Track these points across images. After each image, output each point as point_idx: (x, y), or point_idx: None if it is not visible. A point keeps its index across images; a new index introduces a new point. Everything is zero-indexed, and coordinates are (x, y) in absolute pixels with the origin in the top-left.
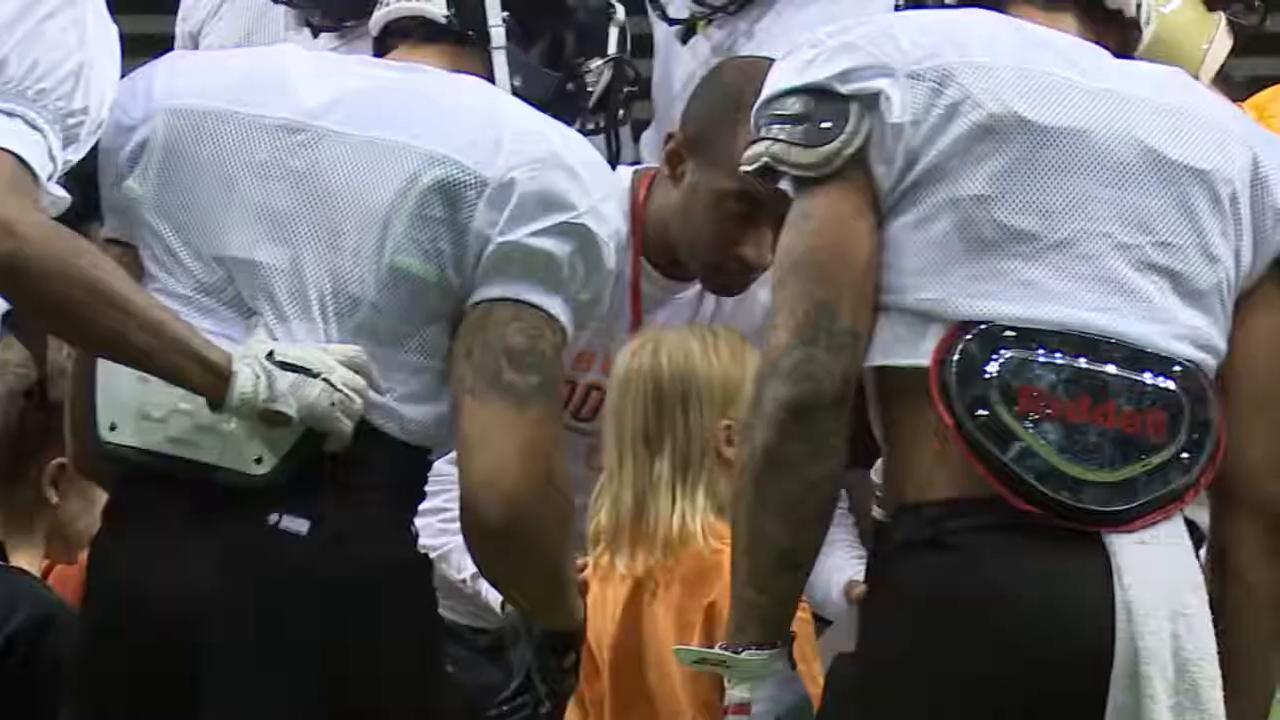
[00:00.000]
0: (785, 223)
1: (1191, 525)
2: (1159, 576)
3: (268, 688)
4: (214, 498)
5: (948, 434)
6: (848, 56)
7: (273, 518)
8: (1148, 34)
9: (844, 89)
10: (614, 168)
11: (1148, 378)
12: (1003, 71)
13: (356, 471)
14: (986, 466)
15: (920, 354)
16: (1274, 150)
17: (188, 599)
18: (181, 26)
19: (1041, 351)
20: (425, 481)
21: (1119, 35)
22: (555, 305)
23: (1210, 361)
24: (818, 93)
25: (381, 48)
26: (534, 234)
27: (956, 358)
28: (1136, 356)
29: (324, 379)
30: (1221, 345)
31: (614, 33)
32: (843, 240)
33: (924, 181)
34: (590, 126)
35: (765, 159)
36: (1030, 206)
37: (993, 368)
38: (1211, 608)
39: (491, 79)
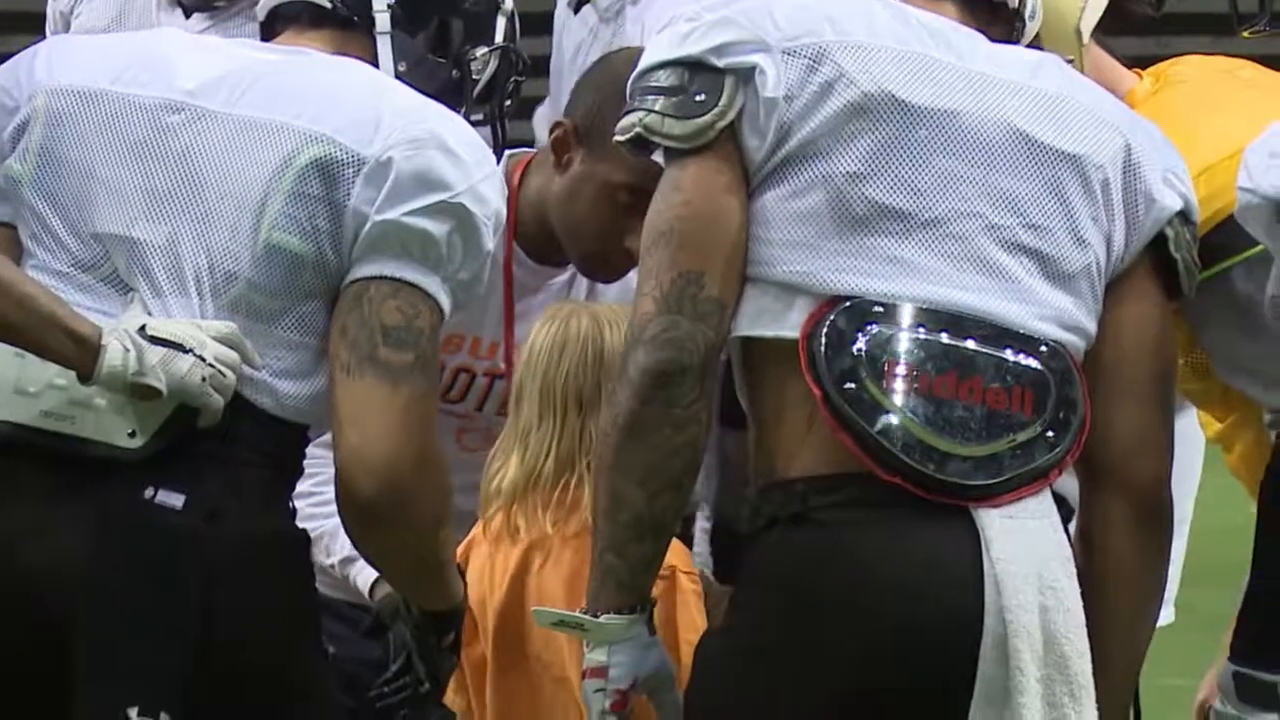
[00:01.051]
0: (655, 193)
1: (1060, 500)
2: (1027, 550)
3: (140, 659)
4: (88, 472)
5: (815, 406)
6: (724, 31)
7: (148, 491)
8: (1032, 26)
9: (720, 63)
10: (499, 157)
11: (1013, 356)
12: (878, 51)
13: (232, 446)
14: (853, 439)
15: (788, 326)
16: (1147, 137)
17: (60, 571)
18: (53, 6)
19: (909, 327)
20: (303, 458)
21: (1002, 26)
22: (433, 284)
23: (1077, 343)
24: (693, 66)
25: (269, 33)
26: (411, 213)
27: (825, 331)
28: (1003, 335)
29: (195, 354)
30: (1090, 328)
31: (501, 22)
32: (711, 211)
33: (796, 156)
34: (476, 117)
35: (638, 129)
36: (902, 185)
37: (861, 342)
38: (1080, 582)
39: (377, 65)
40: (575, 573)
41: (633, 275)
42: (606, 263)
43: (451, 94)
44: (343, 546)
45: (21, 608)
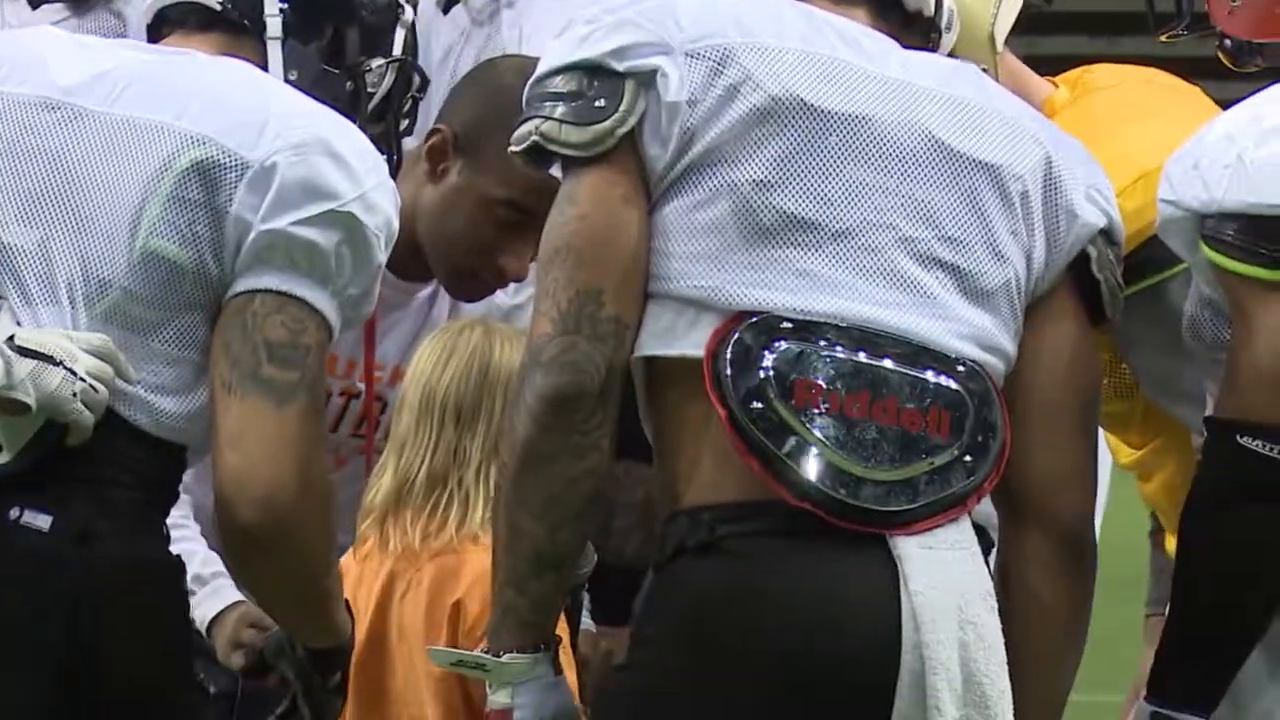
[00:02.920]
0: (552, 207)
1: (981, 531)
2: (946, 582)
3: (2, 687)
4: None
5: (721, 427)
6: (625, 33)
7: (13, 512)
8: (949, 38)
9: (619, 66)
10: (394, 175)
11: (930, 375)
12: (787, 54)
13: (104, 465)
14: (761, 462)
15: (691, 344)
16: (1068, 150)
17: None
18: None
19: (820, 343)
20: (179, 480)
21: (916, 36)
22: (321, 299)
23: (995, 364)
24: (592, 70)
25: (154, 36)
26: (297, 223)
27: (731, 348)
28: (919, 353)
29: (66, 366)
30: (1009, 348)
31: (400, 34)
32: (609, 225)
33: (700, 164)
34: (373, 131)
35: (535, 138)
36: (811, 194)
37: (769, 359)
38: (1000, 618)
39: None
40: (436, 594)
41: (498, 294)
42: (475, 279)
43: (346, 107)
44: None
45: None
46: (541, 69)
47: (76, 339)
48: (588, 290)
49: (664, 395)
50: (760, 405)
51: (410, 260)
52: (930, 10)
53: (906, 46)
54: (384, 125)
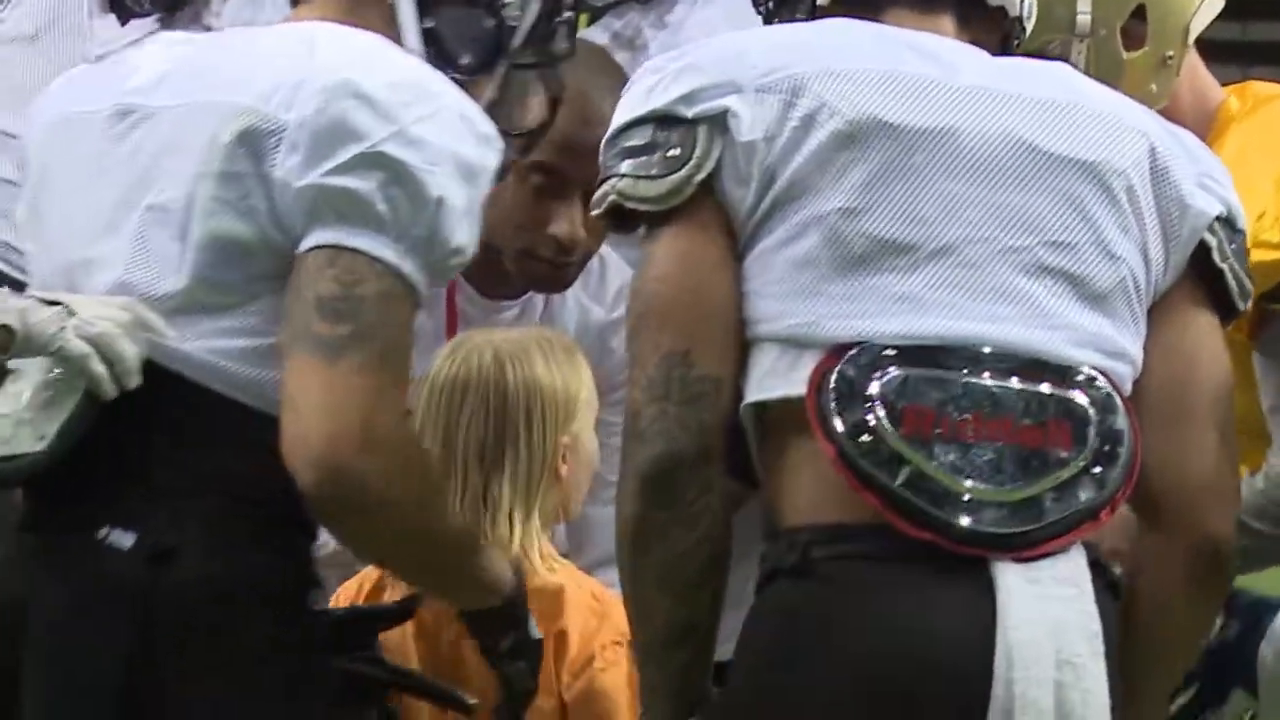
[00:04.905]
0: (586, 170)
1: (1101, 567)
2: (1046, 619)
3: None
4: (43, 502)
5: (831, 465)
6: (690, 78)
7: (102, 531)
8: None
9: (689, 112)
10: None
11: (1046, 388)
12: (861, 76)
13: (190, 475)
14: (877, 495)
15: (794, 383)
16: (1175, 140)
17: (16, 611)
18: None
19: (927, 368)
20: (292, 486)
21: (1000, 34)
22: (380, 247)
23: (1119, 368)
24: (662, 120)
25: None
26: (329, 172)
27: (834, 383)
28: (1032, 366)
29: (65, 307)
30: (1132, 351)
31: None
32: (690, 281)
33: (785, 200)
34: (525, 62)
35: (613, 197)
36: (902, 215)
37: (874, 389)
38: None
39: (394, 25)
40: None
41: (593, 309)
42: (537, 259)
43: (490, 44)
44: None
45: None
46: (613, 126)
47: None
48: (673, 353)
49: (773, 439)
50: (869, 438)
51: (491, 275)
52: (1015, 9)
53: (992, 50)
54: (535, 55)
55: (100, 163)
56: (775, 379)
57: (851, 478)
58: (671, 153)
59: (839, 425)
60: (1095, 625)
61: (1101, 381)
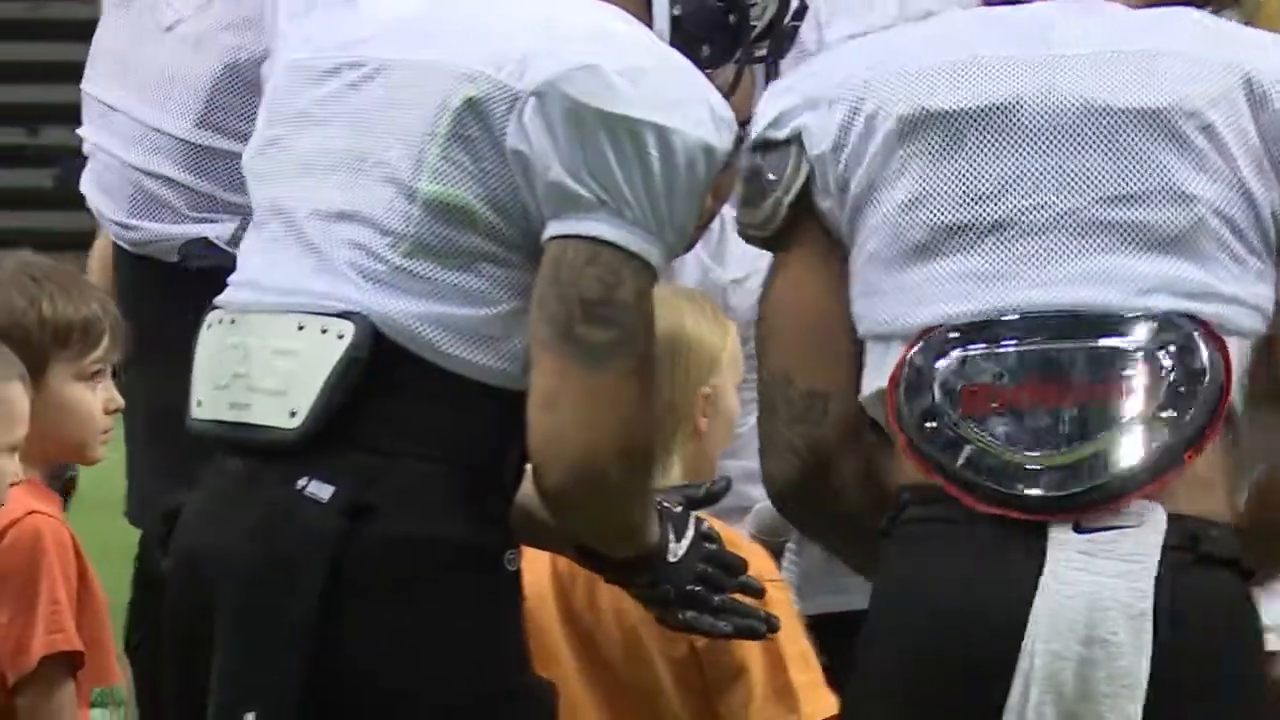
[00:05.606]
0: None
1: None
2: (1086, 592)
3: (256, 664)
4: (259, 459)
5: (904, 451)
6: (784, 99)
7: (301, 481)
8: None
9: (780, 135)
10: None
11: (1105, 342)
12: (924, 71)
13: (398, 433)
14: (944, 477)
15: (883, 377)
16: (1272, 62)
17: (219, 562)
18: None
19: (983, 344)
20: (503, 453)
21: None
22: (634, 240)
23: (1207, 308)
24: (761, 146)
25: None
26: (575, 153)
27: (905, 374)
28: (1095, 323)
29: None
30: (1230, 288)
31: None
32: (788, 301)
33: (860, 205)
34: (757, 54)
35: (741, 233)
36: (957, 198)
37: (938, 375)
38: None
39: (648, 9)
40: None
41: (714, 268)
42: None
43: (727, 38)
44: None
45: (192, 597)
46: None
47: None
48: (776, 373)
49: (877, 432)
50: (934, 424)
51: None
52: None
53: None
54: (763, 53)
55: (327, 111)
56: (873, 374)
57: (920, 462)
58: (769, 177)
59: (907, 414)
60: (1144, 604)
61: (1180, 321)
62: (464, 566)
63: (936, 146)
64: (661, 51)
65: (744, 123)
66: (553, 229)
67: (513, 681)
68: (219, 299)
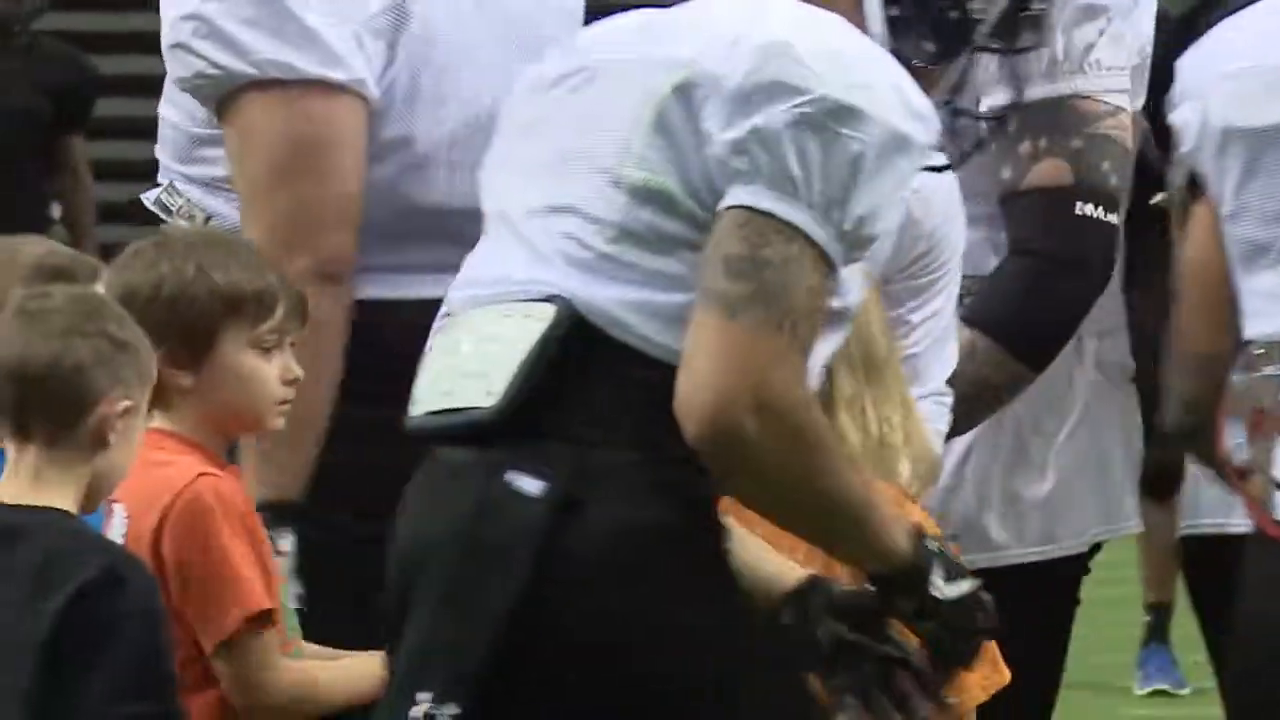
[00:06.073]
0: None
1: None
2: None
3: (437, 656)
4: (463, 445)
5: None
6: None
7: (508, 474)
8: None
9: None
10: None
11: None
12: (1239, 79)
13: (598, 422)
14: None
15: None
16: None
17: (424, 551)
18: None
19: (1272, 367)
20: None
21: None
22: (793, 213)
23: None
24: None
25: None
26: (752, 129)
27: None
28: None
29: None
30: None
31: None
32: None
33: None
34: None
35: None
36: (1259, 216)
37: (1243, 394)
38: None
39: (859, 11)
40: None
41: None
42: None
43: (953, 35)
44: None
45: (404, 588)
46: None
47: None
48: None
49: None
50: (1239, 442)
51: None
52: None
53: None
54: (1000, 43)
55: (549, 115)
56: None
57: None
58: None
59: (1229, 440)
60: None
61: None
62: (677, 551)
63: (1242, 163)
64: (859, 40)
65: (984, 116)
66: (721, 203)
67: (743, 653)
68: (445, 303)
